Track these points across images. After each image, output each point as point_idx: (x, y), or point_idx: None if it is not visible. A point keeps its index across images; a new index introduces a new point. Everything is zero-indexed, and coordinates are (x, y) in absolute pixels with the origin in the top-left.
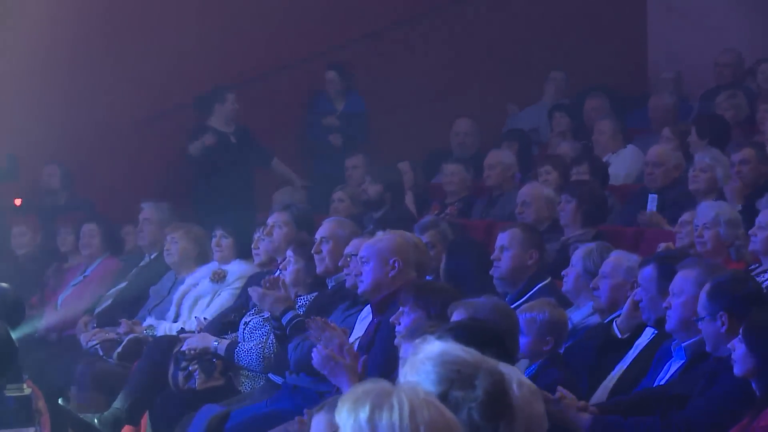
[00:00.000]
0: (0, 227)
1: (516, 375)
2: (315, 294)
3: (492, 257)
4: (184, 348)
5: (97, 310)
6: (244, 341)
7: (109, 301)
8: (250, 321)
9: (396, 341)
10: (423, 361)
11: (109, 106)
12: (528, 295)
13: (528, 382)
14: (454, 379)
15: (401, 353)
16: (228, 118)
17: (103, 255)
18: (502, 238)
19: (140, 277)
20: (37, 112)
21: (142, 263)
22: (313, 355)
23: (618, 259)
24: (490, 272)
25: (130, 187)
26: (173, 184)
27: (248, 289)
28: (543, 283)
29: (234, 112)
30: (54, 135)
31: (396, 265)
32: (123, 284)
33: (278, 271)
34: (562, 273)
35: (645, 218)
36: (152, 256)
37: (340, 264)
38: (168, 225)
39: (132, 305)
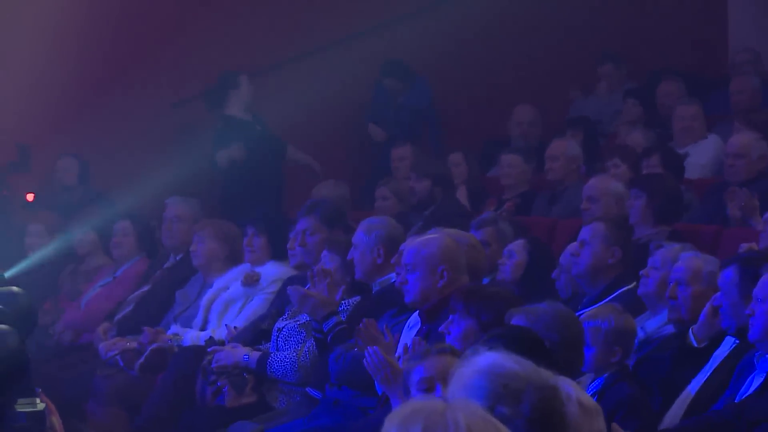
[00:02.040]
0: (12, 225)
1: (576, 391)
2: (357, 299)
3: (571, 252)
4: (213, 362)
5: (118, 316)
6: (277, 350)
7: (131, 307)
8: (284, 327)
9: (404, 366)
10: (471, 374)
11: (127, 93)
12: (609, 299)
13: (588, 398)
14: (501, 394)
15: (409, 379)
16: (246, 103)
17: (137, 256)
18: (584, 233)
19: (165, 280)
20: (51, 100)
21: (166, 265)
22: (366, 356)
23: (695, 262)
24: (553, 275)
25: (150, 182)
26: (197, 177)
27: (288, 288)
28: (628, 287)
29: (251, 96)
30: (68, 124)
31: (445, 274)
32: (145, 288)
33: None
34: (641, 273)
35: (738, 195)
36: (178, 258)
37: (392, 261)
38: (198, 222)
39: (156, 311)
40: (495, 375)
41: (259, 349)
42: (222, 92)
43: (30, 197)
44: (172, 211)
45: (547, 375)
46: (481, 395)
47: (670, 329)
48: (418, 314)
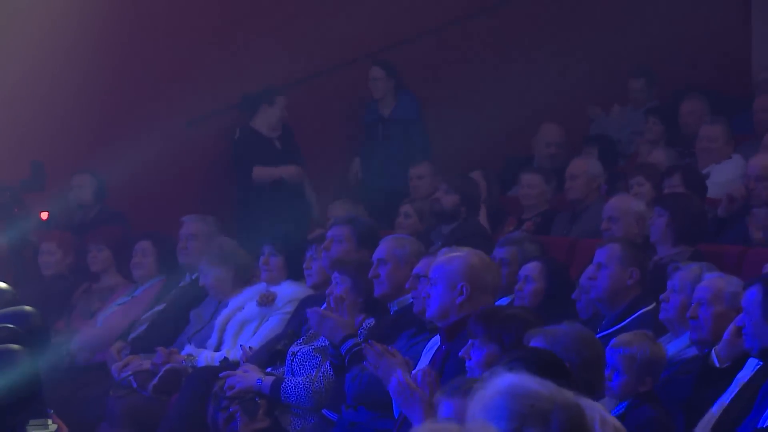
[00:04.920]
0: (26, 244)
1: (598, 411)
2: (371, 320)
3: (589, 276)
4: (225, 386)
5: (132, 335)
6: (292, 374)
7: (145, 326)
8: (298, 351)
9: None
10: (492, 396)
11: (141, 111)
12: (628, 321)
13: (612, 419)
14: (526, 415)
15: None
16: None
17: (157, 277)
18: (600, 255)
19: (179, 299)
20: (65, 116)
21: (181, 283)
22: (393, 380)
23: (718, 282)
24: (573, 296)
25: (165, 199)
26: (215, 195)
27: (307, 310)
28: (647, 308)
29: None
30: (82, 141)
31: (464, 290)
32: (160, 307)
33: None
34: (661, 297)
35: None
36: (194, 276)
37: (407, 286)
38: (214, 241)
39: (170, 331)
40: (519, 396)
41: (272, 374)
42: (256, 103)
43: (44, 216)
44: (188, 229)
45: (570, 395)
46: (505, 416)
47: (693, 351)
48: (439, 333)
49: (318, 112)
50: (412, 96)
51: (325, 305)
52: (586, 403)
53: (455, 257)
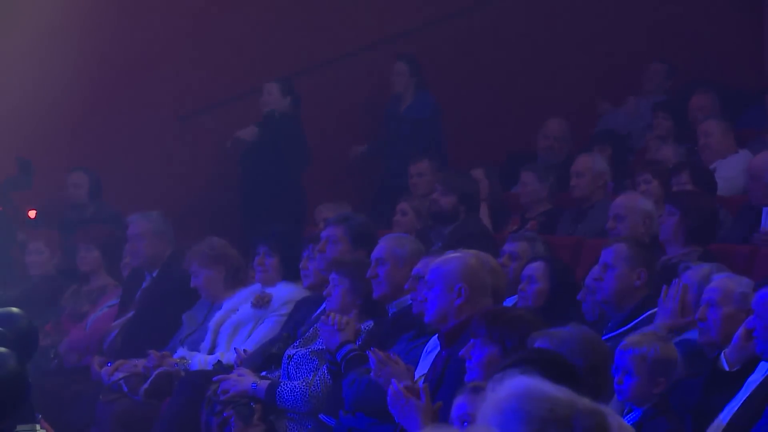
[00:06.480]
0: (12, 243)
1: (616, 418)
2: (370, 322)
3: (595, 277)
4: (219, 390)
5: (107, 344)
6: (288, 378)
7: (120, 333)
8: (294, 354)
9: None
10: (508, 399)
11: (130, 106)
12: (635, 322)
13: (626, 425)
14: (547, 419)
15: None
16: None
17: (147, 277)
18: (606, 255)
19: (148, 301)
20: (52, 112)
21: (144, 285)
22: (389, 391)
23: (728, 283)
24: (579, 297)
25: (160, 198)
26: (213, 193)
27: (318, 323)
28: (655, 309)
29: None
30: (71, 138)
31: (462, 292)
32: (130, 314)
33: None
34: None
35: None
36: (154, 275)
37: (406, 287)
38: (163, 235)
39: (148, 335)
40: (537, 399)
41: (267, 377)
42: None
43: (32, 214)
44: (134, 230)
45: (587, 400)
46: (523, 419)
47: (693, 335)
48: (438, 338)
49: (318, 104)
50: (429, 96)
51: (323, 306)
52: (607, 409)
53: (452, 258)
